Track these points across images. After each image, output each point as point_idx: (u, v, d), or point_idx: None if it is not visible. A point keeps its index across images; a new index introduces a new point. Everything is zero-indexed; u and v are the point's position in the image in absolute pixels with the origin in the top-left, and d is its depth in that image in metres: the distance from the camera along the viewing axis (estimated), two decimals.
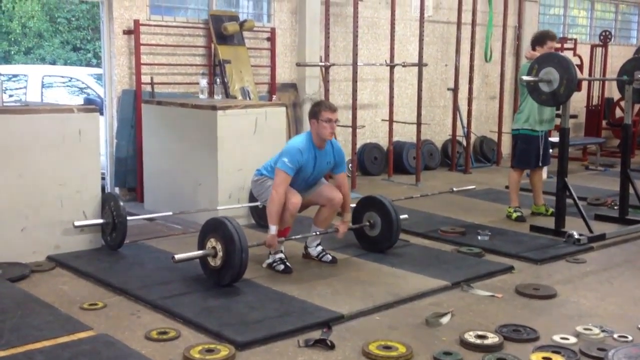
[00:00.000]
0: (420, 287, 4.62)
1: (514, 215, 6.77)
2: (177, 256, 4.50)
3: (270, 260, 5.00)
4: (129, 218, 5.38)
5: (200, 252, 4.63)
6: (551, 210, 6.63)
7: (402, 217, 5.58)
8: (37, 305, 4.19)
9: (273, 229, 4.79)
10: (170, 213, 6.04)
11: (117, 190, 7.36)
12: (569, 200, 6.10)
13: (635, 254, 5.74)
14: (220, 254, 4.51)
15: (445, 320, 4.06)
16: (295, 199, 4.84)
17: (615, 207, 6.94)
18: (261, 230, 6.06)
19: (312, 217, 5.28)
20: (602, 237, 5.93)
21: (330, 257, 5.19)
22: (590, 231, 5.90)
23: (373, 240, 5.51)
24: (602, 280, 4.99)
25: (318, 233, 5.19)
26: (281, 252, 5.00)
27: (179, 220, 6.31)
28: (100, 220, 5.40)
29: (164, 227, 6.27)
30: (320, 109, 4.93)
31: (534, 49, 6.72)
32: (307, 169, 4.95)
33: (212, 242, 4.57)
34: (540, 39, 6.71)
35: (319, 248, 5.24)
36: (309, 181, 5.07)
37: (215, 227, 4.60)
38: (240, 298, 4.36)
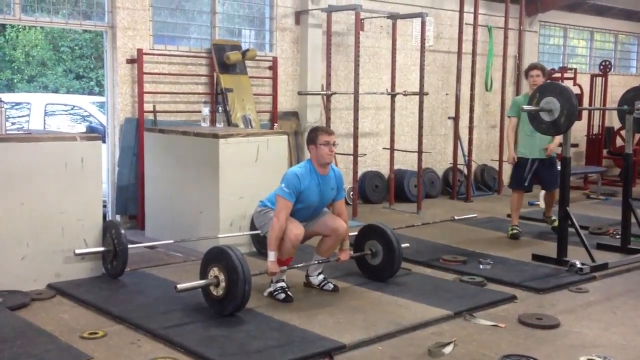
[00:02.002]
0: (423, 317, 4.59)
1: (510, 232, 7.17)
2: (179, 286, 4.48)
3: (271, 289, 4.97)
4: (130, 246, 5.37)
5: (203, 282, 4.61)
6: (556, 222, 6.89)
7: (403, 245, 5.57)
8: (37, 334, 4.17)
9: (272, 255, 4.77)
10: (172, 241, 6.03)
11: (118, 217, 7.35)
12: (571, 230, 6.09)
13: (638, 283, 5.71)
14: (222, 284, 4.49)
15: (447, 350, 4.03)
16: (298, 230, 4.82)
17: (617, 237, 6.93)
18: (262, 259, 6.03)
19: (314, 246, 5.26)
20: (604, 266, 5.91)
21: (332, 286, 5.17)
22: (593, 260, 5.88)
23: (375, 268, 5.49)
24: (605, 310, 4.96)
25: (319, 262, 5.17)
26: (282, 280, 4.98)
27: (180, 248, 6.30)
28: (101, 248, 5.39)
29: (165, 255, 6.25)
30: (317, 133, 4.95)
31: (526, 76, 7.29)
32: (313, 197, 4.93)
33: (214, 272, 4.55)
34: (525, 72, 7.38)
35: (321, 277, 5.22)
36: (317, 210, 5.06)
37: (218, 257, 4.59)
38: (241, 327, 4.34)
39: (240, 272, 4.41)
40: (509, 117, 7.40)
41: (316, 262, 5.17)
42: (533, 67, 7.19)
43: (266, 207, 5.10)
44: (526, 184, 7.21)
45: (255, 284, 5.25)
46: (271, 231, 4.78)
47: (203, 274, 4.65)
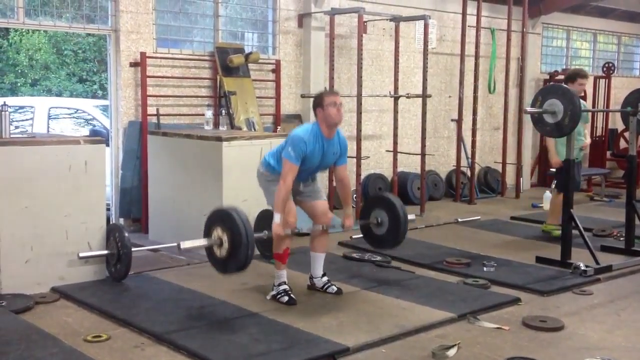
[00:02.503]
0: (426, 319, 4.59)
1: (556, 232, 7.01)
2: (183, 245, 4.46)
3: (274, 292, 4.97)
4: (133, 249, 5.37)
5: (207, 242, 4.58)
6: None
7: (410, 217, 5.52)
8: (41, 337, 4.17)
9: (277, 217, 4.75)
10: (175, 244, 6.02)
11: (122, 221, 7.36)
12: (574, 232, 6.08)
13: None
14: (226, 245, 4.46)
15: (451, 353, 4.03)
16: (292, 219, 4.87)
17: (621, 239, 6.92)
18: (266, 261, 6.05)
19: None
20: (608, 268, 5.90)
21: (335, 288, 5.17)
22: (597, 262, 5.87)
23: (379, 238, 5.46)
24: (610, 312, 4.96)
25: (323, 228, 5.09)
26: (285, 283, 4.98)
27: (183, 251, 6.29)
28: (105, 252, 5.39)
29: (169, 258, 6.25)
30: (323, 96, 4.94)
31: (566, 84, 6.96)
32: (314, 159, 4.89)
33: (218, 232, 4.51)
34: (572, 76, 7.10)
35: (325, 279, 5.22)
36: (314, 172, 5.06)
37: (222, 218, 4.54)
38: (244, 330, 4.34)
39: (243, 235, 4.38)
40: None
41: (320, 227, 5.11)
42: (584, 75, 7.11)
43: (271, 173, 5.01)
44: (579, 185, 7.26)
45: (259, 287, 5.26)
46: (278, 193, 4.75)
47: (207, 234, 4.61)
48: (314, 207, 5.14)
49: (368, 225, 5.49)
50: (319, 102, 4.92)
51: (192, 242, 4.59)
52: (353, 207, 8.59)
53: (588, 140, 7.39)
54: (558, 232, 6.85)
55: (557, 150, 6.98)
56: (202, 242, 4.61)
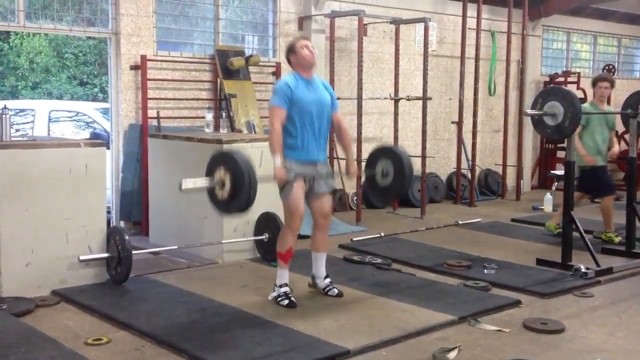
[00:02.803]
0: (427, 322, 4.58)
1: (618, 239, 7.06)
2: (183, 185, 4.41)
3: (275, 294, 4.97)
4: (134, 252, 5.37)
5: (208, 182, 4.54)
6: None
7: (415, 173, 5.44)
8: (42, 340, 4.17)
9: (277, 161, 4.72)
10: (176, 247, 6.04)
11: (122, 223, 7.37)
12: (575, 234, 6.07)
13: None
14: (227, 187, 4.42)
15: (452, 355, 4.02)
16: (298, 222, 4.88)
17: (622, 241, 6.90)
18: (266, 264, 6.06)
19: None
20: (609, 270, 5.89)
21: (336, 291, 5.16)
22: (598, 265, 5.87)
23: (383, 189, 5.39)
24: (611, 314, 4.95)
25: (327, 174, 5.05)
26: (286, 285, 4.97)
27: (184, 254, 6.30)
28: (106, 254, 5.39)
29: (169, 261, 6.25)
30: (293, 42, 5.03)
31: (594, 87, 7.14)
32: (310, 104, 4.86)
33: (220, 174, 4.46)
34: (593, 80, 7.21)
35: (327, 281, 5.21)
36: (322, 121, 4.97)
37: (225, 159, 4.49)
38: (245, 333, 4.33)
39: (245, 178, 4.32)
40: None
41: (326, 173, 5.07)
42: (603, 78, 7.18)
43: None
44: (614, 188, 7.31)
45: (260, 289, 5.25)
46: (271, 138, 4.77)
47: (209, 174, 4.56)
48: (322, 203, 5.07)
49: (373, 177, 5.42)
50: (291, 48, 5.00)
51: (193, 181, 4.51)
52: (353, 208, 8.64)
53: (616, 149, 7.34)
54: (617, 239, 7.03)
55: (582, 152, 7.05)
56: (204, 182, 4.54)
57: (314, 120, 4.92)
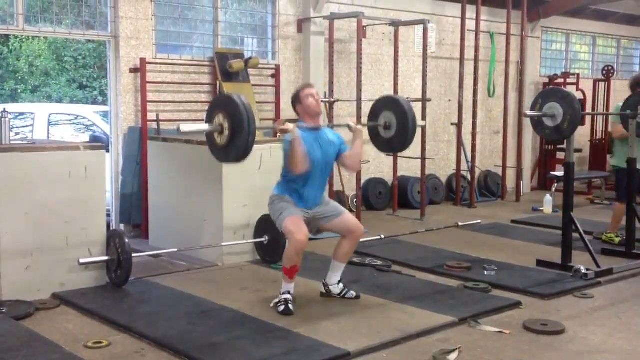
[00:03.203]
0: (427, 324, 4.58)
1: (618, 239, 7.03)
2: (182, 128, 4.34)
3: (276, 300, 4.88)
4: (134, 255, 5.37)
5: (207, 127, 4.47)
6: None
7: (420, 123, 5.40)
8: (42, 343, 4.17)
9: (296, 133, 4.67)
10: (176, 249, 6.04)
11: (122, 226, 7.36)
12: (575, 235, 6.07)
13: None
14: (226, 132, 4.35)
15: (452, 357, 4.03)
16: (301, 236, 4.71)
17: (623, 241, 6.90)
18: (267, 267, 6.06)
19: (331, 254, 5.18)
20: (609, 271, 5.89)
21: (354, 294, 5.12)
22: (598, 266, 5.87)
23: (387, 141, 5.40)
24: (611, 315, 4.95)
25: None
26: (289, 292, 4.86)
27: (184, 257, 6.30)
28: (106, 258, 5.39)
29: (169, 263, 6.25)
30: (298, 91, 5.02)
31: (633, 90, 6.98)
32: (316, 153, 4.85)
33: (219, 118, 4.40)
34: (633, 84, 7.14)
35: (341, 285, 5.15)
36: (324, 169, 4.96)
37: (225, 103, 4.43)
38: (246, 335, 4.33)
39: (245, 122, 4.26)
40: (613, 122, 7.36)
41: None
42: None
43: (273, 195, 5.01)
44: None
45: (261, 293, 5.25)
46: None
47: (209, 120, 4.49)
48: (344, 222, 5.02)
49: (376, 128, 5.39)
50: (296, 98, 5.00)
51: (191, 125, 4.48)
52: (353, 211, 8.64)
53: None
54: (617, 239, 7.01)
55: (616, 151, 7.01)
56: (203, 126, 4.49)
57: (317, 175, 4.94)
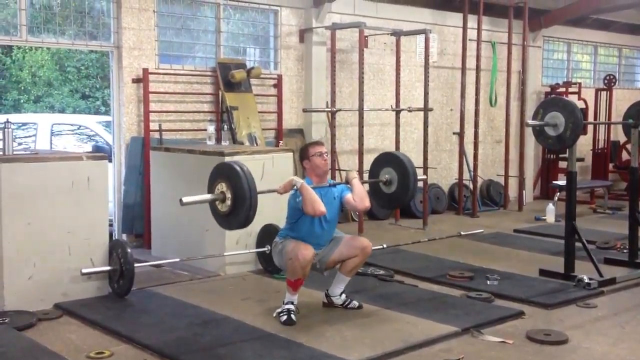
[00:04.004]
0: (430, 333, 4.57)
1: None
2: (184, 199, 4.42)
3: (279, 309, 4.87)
4: (136, 265, 5.37)
5: (209, 196, 4.54)
6: None
7: (420, 177, 5.44)
8: (44, 354, 4.16)
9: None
10: (178, 259, 6.04)
11: (124, 236, 7.36)
12: (577, 244, 6.06)
13: None
14: (228, 201, 4.41)
15: None
16: (307, 251, 4.70)
17: (625, 251, 6.90)
18: (269, 276, 6.05)
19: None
20: (612, 281, 5.88)
21: (357, 304, 5.12)
22: (600, 275, 5.86)
23: (388, 197, 5.41)
24: (614, 325, 4.93)
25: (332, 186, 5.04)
26: (292, 303, 4.85)
27: (186, 267, 6.30)
28: (108, 268, 5.39)
29: (172, 273, 6.25)
30: (307, 148, 5.04)
31: None
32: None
33: (221, 187, 4.46)
34: None
35: (344, 296, 5.15)
36: (325, 227, 4.97)
37: (226, 173, 4.48)
38: (248, 345, 4.32)
39: (246, 190, 4.32)
40: None
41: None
42: None
43: (278, 239, 5.03)
44: None
45: (265, 304, 5.24)
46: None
47: (210, 189, 4.56)
48: (351, 243, 5.04)
49: (377, 184, 5.41)
50: (304, 154, 5.02)
51: (193, 197, 4.54)
52: (355, 220, 8.63)
53: None
54: None
55: None
56: (205, 197, 4.55)
57: (323, 225, 4.94)
